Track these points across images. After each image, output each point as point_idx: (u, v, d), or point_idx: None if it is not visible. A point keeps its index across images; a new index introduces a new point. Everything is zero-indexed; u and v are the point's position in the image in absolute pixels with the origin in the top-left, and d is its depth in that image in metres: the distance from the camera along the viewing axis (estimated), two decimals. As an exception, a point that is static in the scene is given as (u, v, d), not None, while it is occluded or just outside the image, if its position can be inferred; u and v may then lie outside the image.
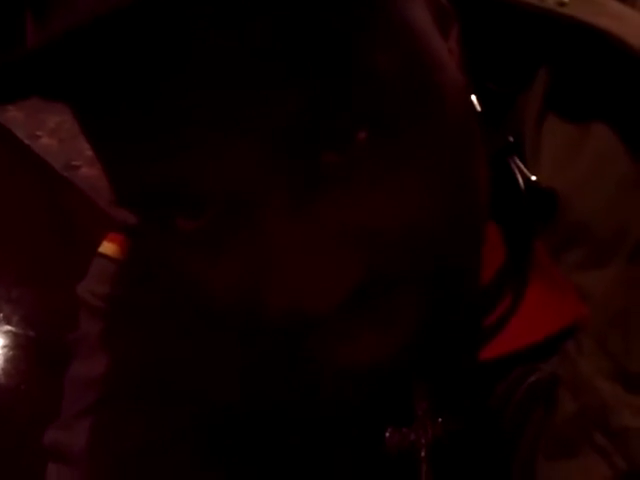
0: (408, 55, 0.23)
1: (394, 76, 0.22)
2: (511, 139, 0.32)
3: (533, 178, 0.31)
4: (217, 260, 0.24)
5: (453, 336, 0.29)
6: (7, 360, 0.74)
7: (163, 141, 0.22)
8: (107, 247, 0.39)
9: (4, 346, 0.75)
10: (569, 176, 0.30)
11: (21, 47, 0.23)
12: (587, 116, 0.31)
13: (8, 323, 0.75)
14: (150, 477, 0.33)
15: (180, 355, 0.33)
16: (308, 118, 0.21)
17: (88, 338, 0.37)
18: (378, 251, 0.23)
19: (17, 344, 0.74)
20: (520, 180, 0.31)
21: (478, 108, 0.30)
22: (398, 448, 0.30)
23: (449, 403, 0.30)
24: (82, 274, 0.40)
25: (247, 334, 0.26)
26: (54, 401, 0.38)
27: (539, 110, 0.31)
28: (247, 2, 0.20)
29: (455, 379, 0.30)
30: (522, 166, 0.31)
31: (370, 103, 0.22)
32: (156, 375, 0.34)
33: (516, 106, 0.32)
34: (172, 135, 0.22)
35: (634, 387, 0.26)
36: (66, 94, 0.23)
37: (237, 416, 0.32)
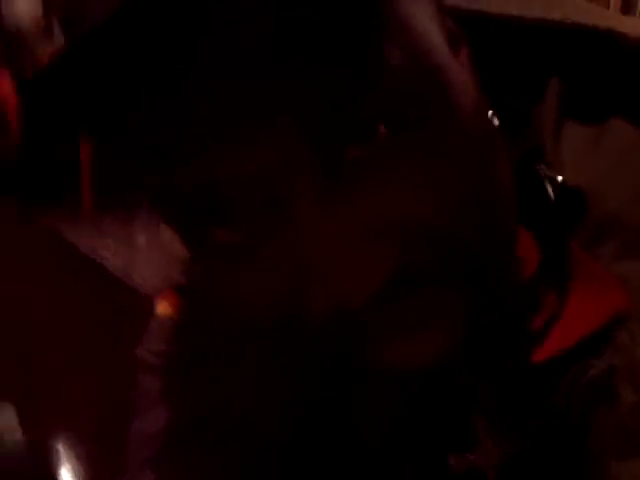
0: (416, 55, 0.24)
1: (405, 72, 0.23)
2: (532, 145, 0.32)
3: (559, 178, 0.31)
4: (257, 269, 0.25)
5: (500, 339, 0.29)
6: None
7: (187, 141, 0.23)
8: (161, 306, 0.40)
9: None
10: (593, 172, 0.31)
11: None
12: (604, 115, 0.32)
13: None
14: None
15: (236, 396, 0.34)
16: (328, 112, 0.22)
17: (148, 395, 0.38)
18: (406, 243, 0.24)
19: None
20: (547, 183, 0.31)
21: (496, 123, 0.31)
22: (464, 474, 0.30)
23: (509, 417, 0.29)
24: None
25: (295, 347, 0.26)
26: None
27: (555, 119, 0.32)
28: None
29: (509, 386, 0.30)
30: (546, 169, 0.32)
31: (386, 98, 0.23)
32: (215, 419, 0.34)
33: (533, 118, 0.33)
34: (195, 135, 0.23)
35: None
36: (85, 110, 0.24)
37: (290, 444, 0.32)
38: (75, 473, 0.64)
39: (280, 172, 0.23)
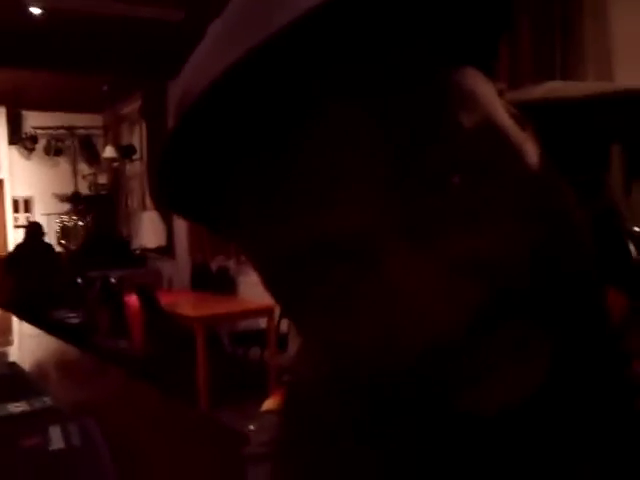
0: (482, 116, 0.27)
1: (475, 131, 0.26)
2: (606, 206, 0.34)
3: (636, 229, 0.33)
4: (351, 315, 0.27)
5: (596, 385, 0.30)
6: None
7: (288, 199, 0.26)
8: (268, 403, 0.42)
9: None
10: None
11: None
12: None
13: None
14: None
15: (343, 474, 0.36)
16: (408, 168, 0.25)
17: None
18: (490, 281, 0.26)
19: None
20: (625, 236, 0.33)
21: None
22: None
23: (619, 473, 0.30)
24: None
25: (391, 390, 0.28)
26: None
27: (623, 181, 0.34)
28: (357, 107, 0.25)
29: (616, 436, 0.30)
30: (622, 224, 0.33)
31: (459, 152, 0.26)
32: None
33: (604, 186, 0.35)
34: (298, 192, 0.26)
35: None
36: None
37: None
38: None
39: (369, 220, 0.26)
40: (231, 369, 4.44)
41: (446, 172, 0.26)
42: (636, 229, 0.33)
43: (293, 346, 0.43)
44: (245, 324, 4.79)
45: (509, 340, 0.26)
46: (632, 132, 0.35)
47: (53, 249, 6.67)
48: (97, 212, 7.96)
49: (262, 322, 4.43)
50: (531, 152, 0.28)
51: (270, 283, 0.30)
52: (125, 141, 7.78)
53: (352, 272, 0.27)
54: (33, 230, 6.41)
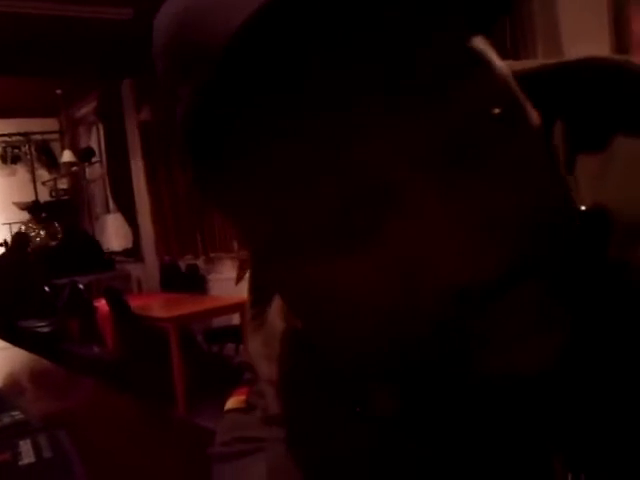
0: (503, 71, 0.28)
1: (502, 77, 0.27)
2: None
3: (582, 208, 0.32)
4: (371, 259, 0.26)
5: (619, 346, 0.29)
6: None
7: (313, 132, 0.25)
8: (231, 402, 0.41)
9: None
10: (610, 187, 0.32)
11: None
12: (607, 136, 0.33)
13: None
14: None
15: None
16: (452, 97, 0.25)
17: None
18: (517, 234, 0.25)
19: None
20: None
21: None
22: None
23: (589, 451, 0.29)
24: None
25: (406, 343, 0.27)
26: None
27: (566, 157, 0.34)
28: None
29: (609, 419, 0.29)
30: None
31: (495, 87, 0.27)
32: None
33: None
34: (321, 128, 0.25)
35: None
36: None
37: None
38: None
39: (401, 160, 0.24)
40: (208, 367, 4.41)
41: (487, 103, 0.26)
42: (583, 208, 0.33)
43: (252, 342, 0.43)
44: (218, 321, 4.76)
45: (528, 304, 0.26)
46: (573, 106, 0.35)
47: (28, 260, 6.58)
48: (61, 218, 7.80)
49: (235, 318, 4.41)
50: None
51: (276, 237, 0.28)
52: (83, 144, 7.61)
53: (378, 207, 0.25)
54: (18, 241, 6.43)
